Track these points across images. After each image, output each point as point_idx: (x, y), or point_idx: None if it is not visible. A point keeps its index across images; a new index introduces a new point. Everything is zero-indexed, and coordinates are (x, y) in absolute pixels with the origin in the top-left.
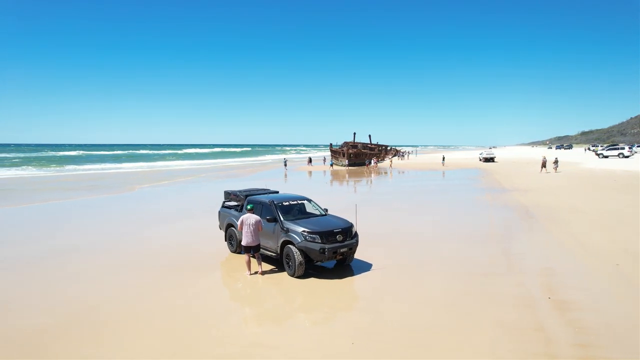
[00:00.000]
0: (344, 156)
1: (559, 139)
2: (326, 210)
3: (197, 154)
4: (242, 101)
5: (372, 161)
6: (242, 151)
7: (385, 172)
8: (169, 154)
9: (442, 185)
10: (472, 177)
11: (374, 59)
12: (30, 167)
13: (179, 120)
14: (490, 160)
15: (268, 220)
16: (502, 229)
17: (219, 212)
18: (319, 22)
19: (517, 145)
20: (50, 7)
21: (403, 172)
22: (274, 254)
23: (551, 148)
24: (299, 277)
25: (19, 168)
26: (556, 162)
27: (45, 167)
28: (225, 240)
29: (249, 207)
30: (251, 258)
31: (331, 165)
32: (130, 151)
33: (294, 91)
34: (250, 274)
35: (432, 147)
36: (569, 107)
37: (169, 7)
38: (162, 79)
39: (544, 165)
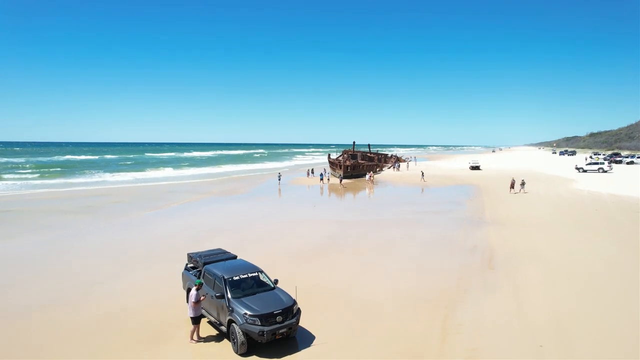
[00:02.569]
0: (340, 168)
1: (568, 139)
2: (276, 281)
3: (208, 159)
4: (263, 100)
5: (367, 175)
6: (246, 154)
7: (372, 189)
8: (177, 159)
9: (421, 213)
10: (457, 201)
11: (388, 60)
12: (29, 181)
13: (196, 118)
14: (476, 168)
15: (218, 297)
16: (455, 284)
17: (182, 273)
18: (340, 24)
19: (525, 145)
20: (59, 5)
21: (387, 187)
22: (223, 329)
23: (555, 153)
24: (242, 354)
25: (18, 180)
26: (523, 184)
27: (46, 179)
28: (187, 302)
29: (196, 283)
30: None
31: (321, 179)
32: (140, 155)
33: (313, 92)
34: (195, 342)
35: (439, 147)
36: (578, 107)
37: (187, 6)
38: (182, 79)
39: (512, 186)
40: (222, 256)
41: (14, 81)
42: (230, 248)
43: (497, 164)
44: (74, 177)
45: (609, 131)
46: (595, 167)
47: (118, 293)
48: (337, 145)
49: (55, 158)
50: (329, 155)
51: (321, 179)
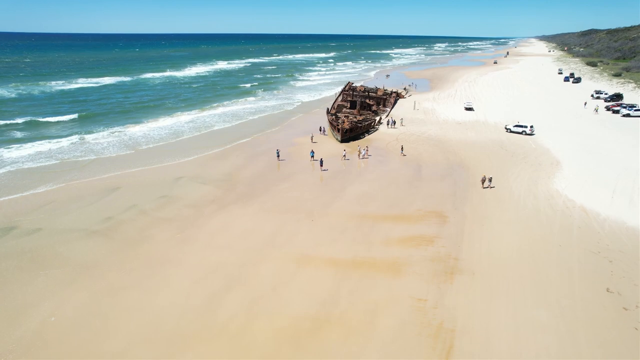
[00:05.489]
0: (338, 132)
1: (584, 33)
2: None
3: (204, 83)
4: None
5: (364, 150)
6: (249, 69)
7: (367, 162)
8: (171, 90)
9: (402, 245)
10: (441, 213)
11: None
12: (21, 165)
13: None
14: (470, 109)
15: None
16: None
17: None
18: None
19: (537, 38)
20: None
21: (377, 173)
22: None
23: (562, 73)
24: None
25: (8, 165)
26: (490, 179)
27: (39, 160)
28: None
29: None
30: None
31: (312, 156)
32: (135, 76)
33: None
34: None
35: (446, 44)
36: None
37: None
38: None
39: (483, 182)
40: None
41: None
42: (224, 339)
43: (490, 111)
44: (66, 150)
45: (628, 29)
46: (520, 129)
47: None
48: (340, 37)
49: (44, 86)
50: (328, 109)
51: (312, 156)
